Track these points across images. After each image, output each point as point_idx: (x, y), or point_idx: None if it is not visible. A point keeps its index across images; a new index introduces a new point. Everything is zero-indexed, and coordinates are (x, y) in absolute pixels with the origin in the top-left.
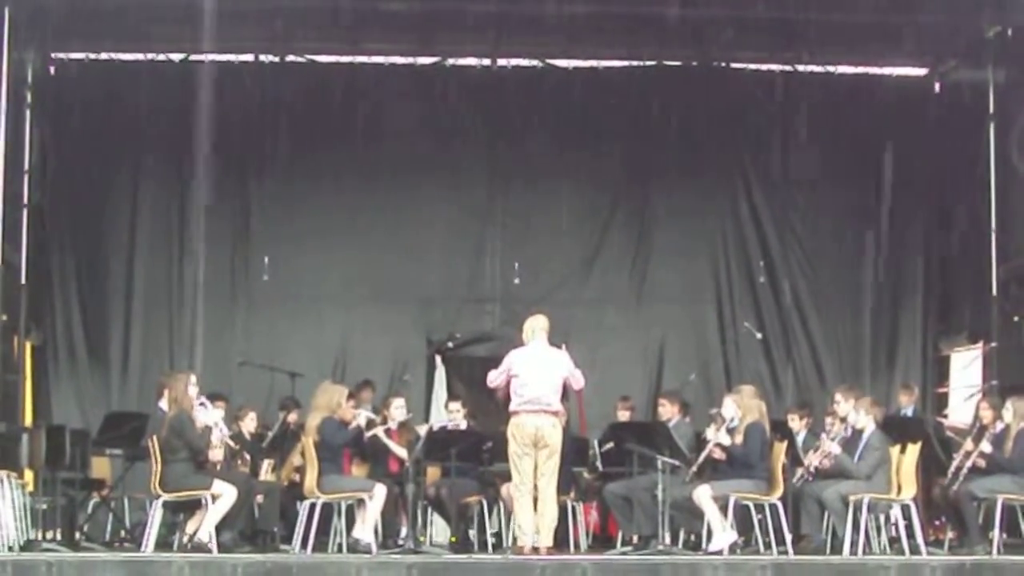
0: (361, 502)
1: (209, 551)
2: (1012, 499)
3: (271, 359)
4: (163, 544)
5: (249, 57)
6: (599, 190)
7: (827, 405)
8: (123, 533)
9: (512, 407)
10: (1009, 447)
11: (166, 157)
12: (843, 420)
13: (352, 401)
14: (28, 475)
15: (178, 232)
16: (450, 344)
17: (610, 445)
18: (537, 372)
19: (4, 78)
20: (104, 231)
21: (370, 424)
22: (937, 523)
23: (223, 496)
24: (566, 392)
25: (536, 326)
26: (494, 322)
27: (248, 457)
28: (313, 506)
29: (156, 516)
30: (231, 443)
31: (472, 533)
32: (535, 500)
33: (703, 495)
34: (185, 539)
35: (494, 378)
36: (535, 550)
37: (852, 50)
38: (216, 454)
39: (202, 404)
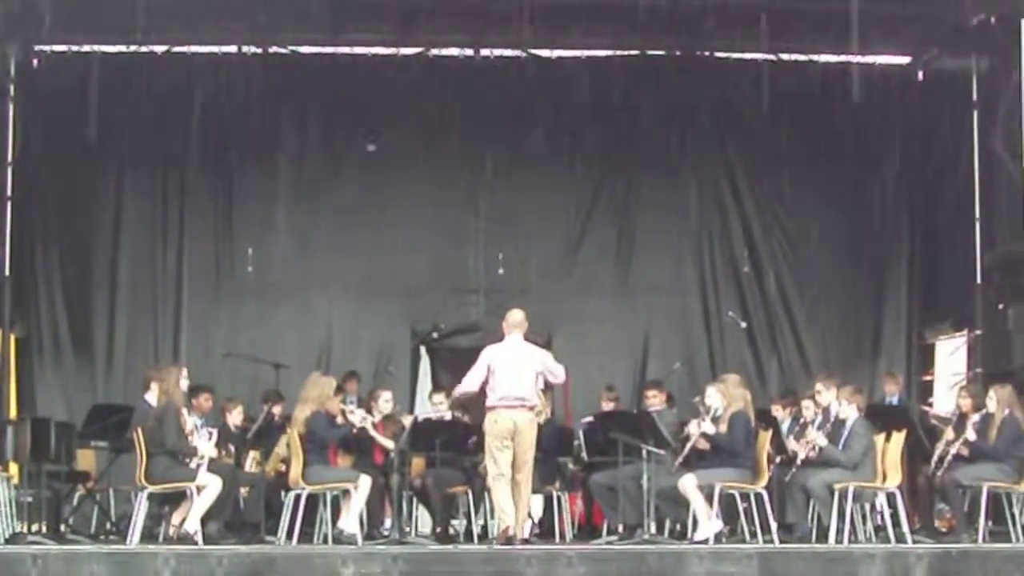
0: (346, 493)
1: (195, 543)
2: (997, 486)
3: (256, 351)
4: (149, 536)
5: (232, 48)
6: (582, 180)
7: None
8: (109, 525)
9: (489, 403)
10: (993, 435)
11: (149, 149)
12: (825, 409)
13: (340, 395)
14: (13, 468)
15: (162, 224)
16: (435, 335)
17: (589, 419)
18: (512, 367)
19: None
20: (88, 223)
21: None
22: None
23: (208, 487)
24: (547, 384)
25: (512, 321)
26: (479, 313)
27: (233, 449)
28: (298, 497)
29: (141, 508)
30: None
31: (457, 523)
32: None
33: (688, 484)
34: (171, 531)
35: (470, 382)
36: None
37: (835, 38)
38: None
39: (208, 432)
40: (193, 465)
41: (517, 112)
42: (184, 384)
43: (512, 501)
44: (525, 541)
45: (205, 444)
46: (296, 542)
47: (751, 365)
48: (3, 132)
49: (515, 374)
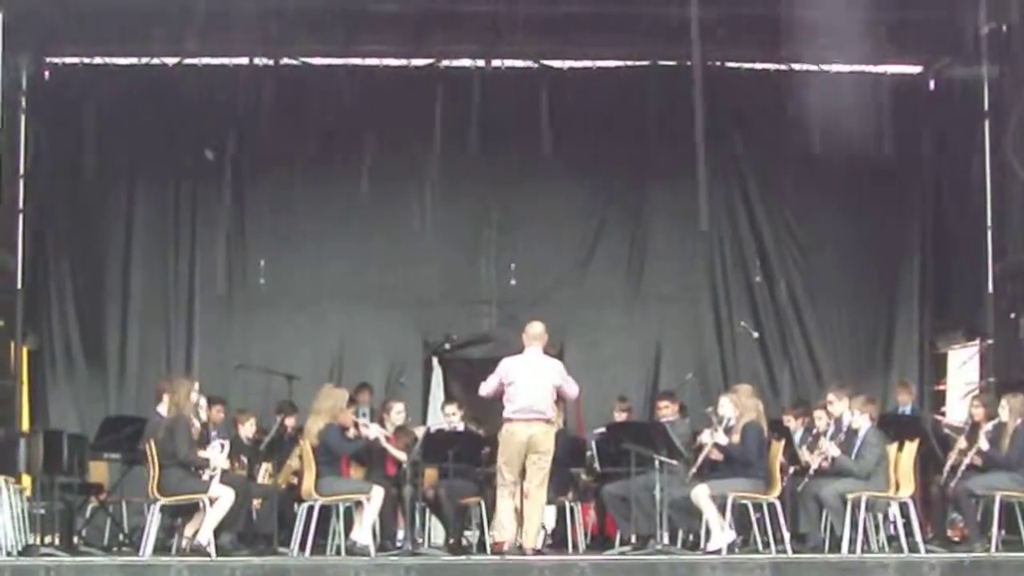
0: (359, 504)
1: (207, 554)
2: (1010, 496)
3: (268, 362)
4: (161, 548)
5: (243, 60)
6: (594, 190)
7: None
8: (121, 537)
9: (505, 414)
10: (1006, 444)
11: (161, 161)
12: (838, 420)
13: (353, 407)
14: (26, 480)
15: (174, 236)
16: (447, 346)
17: (601, 429)
18: (530, 380)
19: None
20: (100, 235)
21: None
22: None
23: (221, 499)
24: (560, 395)
25: (532, 333)
26: (491, 324)
27: (245, 460)
28: (311, 508)
29: (154, 520)
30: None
31: (470, 534)
32: (522, 501)
33: (701, 494)
34: (183, 543)
35: (486, 388)
36: (520, 548)
37: (846, 48)
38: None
39: (220, 444)
40: (205, 477)
41: (528, 122)
42: (195, 396)
43: (512, 515)
44: (538, 552)
45: (217, 455)
46: (309, 553)
47: (763, 375)
48: (15, 144)
49: (533, 387)
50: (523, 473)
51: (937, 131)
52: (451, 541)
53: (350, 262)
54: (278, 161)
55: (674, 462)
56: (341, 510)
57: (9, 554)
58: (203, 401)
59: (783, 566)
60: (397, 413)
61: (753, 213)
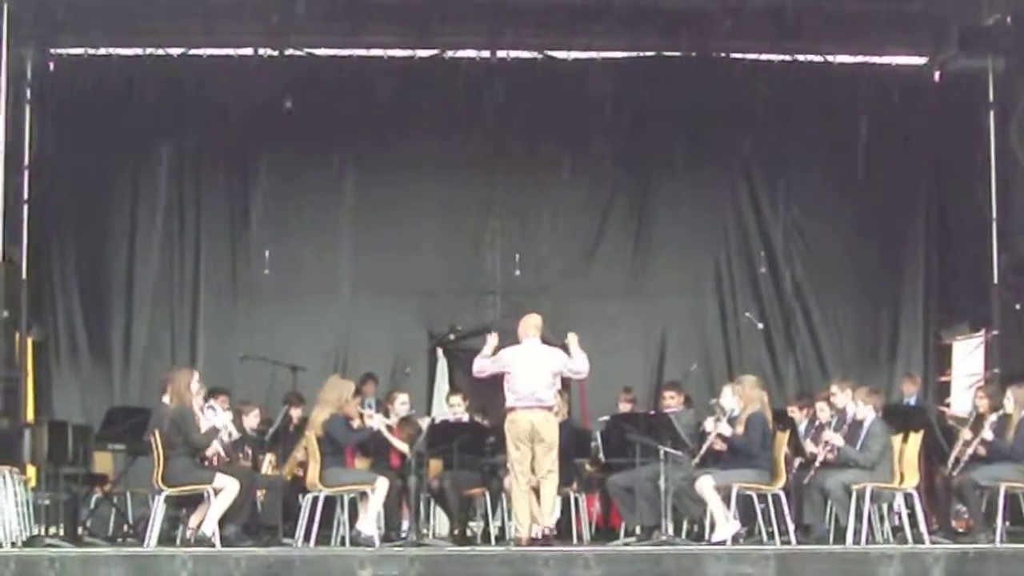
0: (363, 495)
1: (212, 545)
2: (1015, 487)
3: (272, 353)
4: (166, 539)
5: (248, 51)
6: (599, 181)
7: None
8: (126, 528)
9: (507, 404)
10: (1011, 435)
11: (166, 151)
12: (841, 411)
13: (358, 397)
14: (31, 471)
15: (178, 226)
16: (451, 336)
17: (606, 418)
18: (529, 369)
19: (3, 74)
20: (104, 226)
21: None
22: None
23: (225, 490)
24: (566, 383)
25: (529, 324)
26: (495, 314)
27: (249, 451)
28: (316, 499)
29: (159, 511)
30: (226, 442)
31: (475, 525)
32: (536, 491)
33: (706, 485)
34: (188, 533)
35: (479, 365)
36: (533, 540)
37: (851, 39)
38: (214, 447)
39: (211, 408)
40: (211, 453)
41: (533, 113)
42: (196, 386)
43: (528, 511)
44: (539, 542)
45: (219, 418)
46: (314, 544)
47: (768, 366)
48: (19, 135)
49: (532, 375)
50: (532, 461)
51: (942, 123)
52: (455, 532)
53: (355, 252)
54: (283, 151)
55: (679, 453)
56: (346, 501)
57: (14, 544)
58: (195, 386)
59: (788, 557)
60: (401, 404)
61: (758, 204)
